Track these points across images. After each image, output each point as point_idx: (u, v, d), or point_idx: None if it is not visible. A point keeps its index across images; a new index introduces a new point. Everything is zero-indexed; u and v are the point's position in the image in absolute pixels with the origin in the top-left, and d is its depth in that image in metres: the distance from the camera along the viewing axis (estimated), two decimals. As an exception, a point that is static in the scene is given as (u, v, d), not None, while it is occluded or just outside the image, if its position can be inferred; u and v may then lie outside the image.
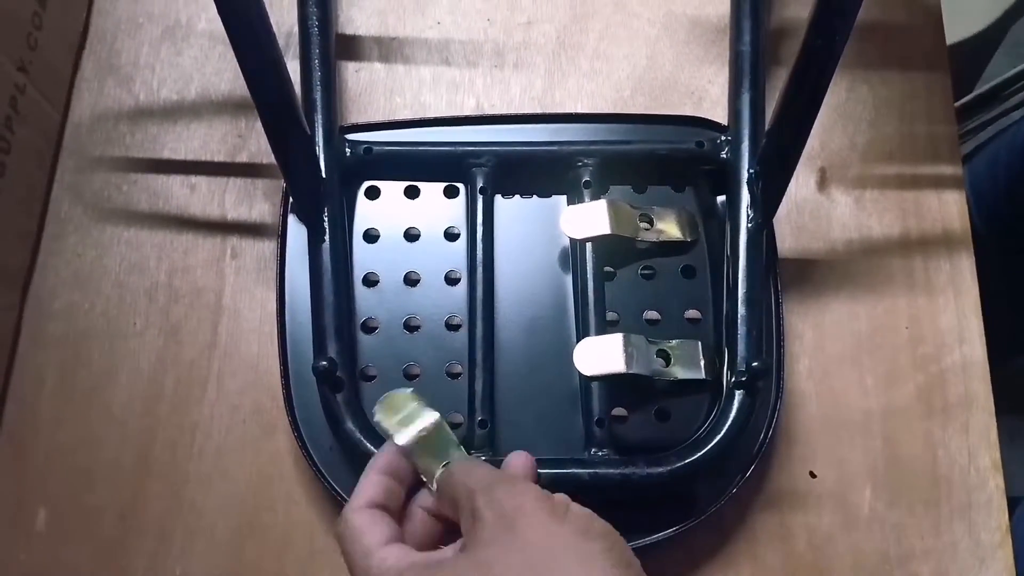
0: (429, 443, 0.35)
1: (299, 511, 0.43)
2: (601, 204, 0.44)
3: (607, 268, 0.44)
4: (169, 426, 0.44)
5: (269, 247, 0.47)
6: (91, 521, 0.43)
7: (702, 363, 0.42)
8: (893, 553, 0.43)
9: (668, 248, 0.45)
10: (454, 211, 0.46)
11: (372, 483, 0.33)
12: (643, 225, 0.45)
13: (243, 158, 0.49)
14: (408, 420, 0.35)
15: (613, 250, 0.44)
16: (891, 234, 0.48)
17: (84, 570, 0.42)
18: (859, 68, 0.51)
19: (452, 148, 0.46)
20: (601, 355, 0.41)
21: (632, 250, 0.45)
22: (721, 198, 0.46)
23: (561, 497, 0.31)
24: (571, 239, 0.44)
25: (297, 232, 0.44)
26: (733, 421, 0.40)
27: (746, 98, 0.46)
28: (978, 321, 0.47)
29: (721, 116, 0.48)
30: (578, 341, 0.42)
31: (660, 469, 0.39)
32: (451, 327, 0.44)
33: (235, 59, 0.37)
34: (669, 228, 0.45)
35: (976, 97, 0.94)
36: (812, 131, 0.40)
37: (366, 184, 0.46)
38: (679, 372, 0.42)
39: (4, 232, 0.43)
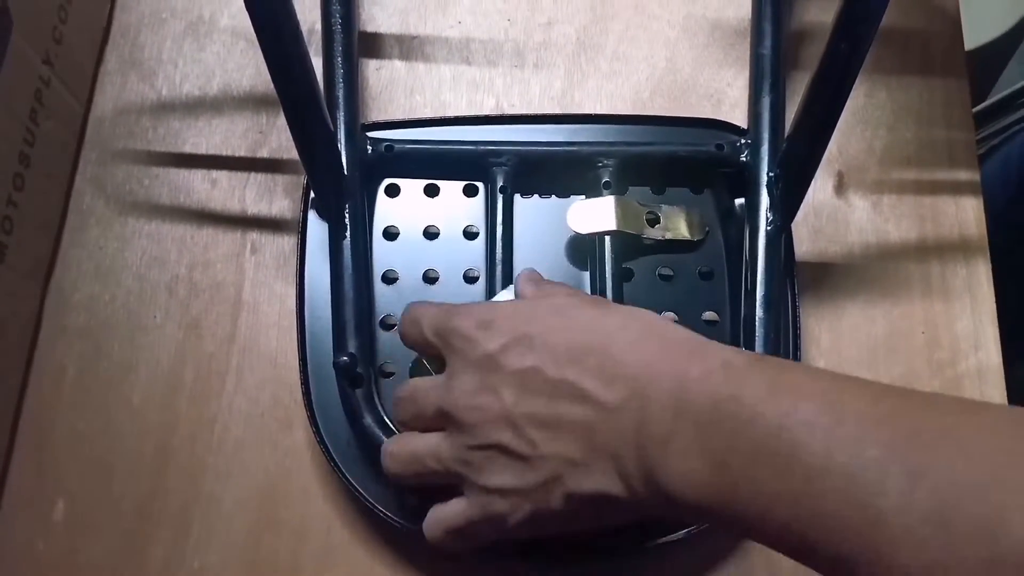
0: None
1: (316, 505, 0.43)
2: (609, 200, 0.44)
3: (625, 268, 0.44)
4: (188, 419, 0.44)
5: (289, 243, 0.47)
6: (109, 512, 0.43)
7: (719, 364, 0.43)
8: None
9: (677, 247, 0.45)
10: (473, 210, 0.46)
11: None
12: (650, 223, 0.45)
13: (264, 154, 0.49)
14: None
15: (631, 251, 0.45)
16: (908, 239, 0.48)
17: (101, 561, 0.42)
18: (878, 73, 0.51)
19: (473, 147, 0.46)
20: (619, 355, 0.41)
21: (649, 251, 0.45)
22: (740, 201, 0.46)
23: None
24: (579, 234, 0.44)
25: (317, 228, 0.45)
26: (750, 422, 0.41)
27: (766, 101, 0.46)
28: (994, 327, 0.47)
29: (740, 119, 0.48)
30: (596, 340, 0.42)
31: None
32: (470, 325, 0.44)
33: (257, 55, 0.37)
34: (677, 226, 0.45)
35: (989, 106, 0.94)
36: (830, 135, 0.40)
37: (386, 182, 0.46)
38: (696, 373, 0.42)
39: (27, 223, 0.44)
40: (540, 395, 0.32)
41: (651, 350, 0.31)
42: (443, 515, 0.35)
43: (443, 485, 0.35)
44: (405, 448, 0.36)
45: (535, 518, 0.33)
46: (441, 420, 0.34)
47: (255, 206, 0.48)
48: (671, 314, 0.44)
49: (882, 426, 0.26)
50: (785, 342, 0.43)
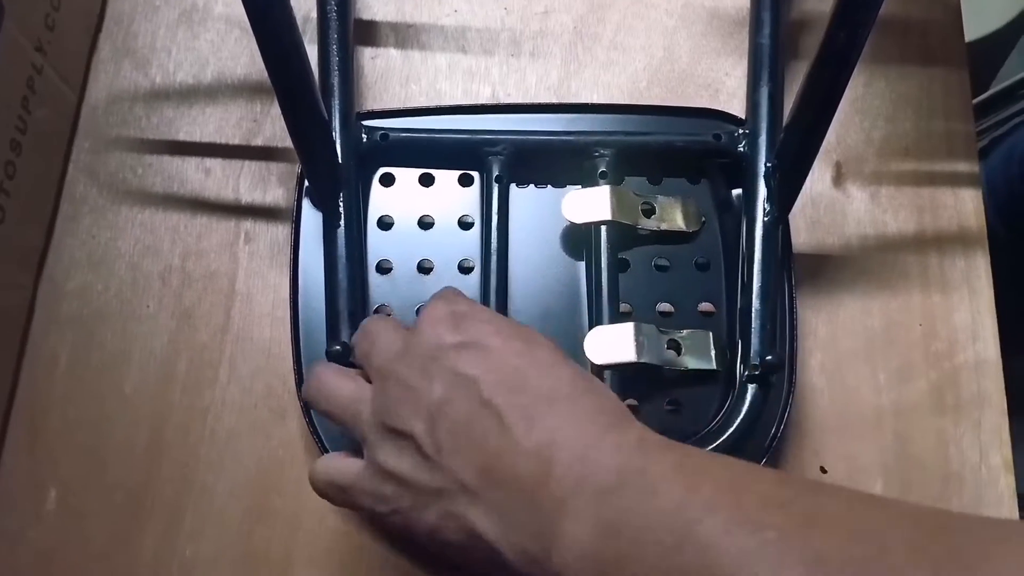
0: None
1: (309, 495, 0.42)
2: (604, 190, 0.44)
3: (621, 259, 0.44)
4: (181, 409, 0.44)
5: (283, 232, 0.47)
6: (102, 501, 0.43)
7: (713, 353, 0.42)
8: (902, 549, 0.43)
9: (672, 238, 0.45)
10: (468, 199, 0.46)
11: None
12: (645, 213, 0.45)
13: (258, 142, 0.49)
14: None
15: (626, 241, 0.44)
16: (906, 231, 0.48)
17: (93, 550, 0.42)
18: (877, 63, 0.51)
19: (468, 136, 0.46)
20: (612, 344, 0.41)
21: (645, 242, 0.45)
22: (737, 191, 0.45)
23: None
24: (574, 224, 0.44)
25: (311, 217, 0.44)
26: (745, 414, 0.40)
27: (764, 91, 0.46)
28: (992, 320, 0.47)
29: (737, 109, 0.48)
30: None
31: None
32: (464, 315, 0.44)
33: (251, 43, 0.37)
34: (673, 217, 0.45)
35: (990, 96, 0.94)
36: (828, 125, 0.40)
37: (381, 171, 0.46)
38: (690, 362, 0.42)
39: (19, 212, 0.44)
40: (466, 405, 0.32)
41: (582, 411, 0.31)
42: (333, 467, 0.36)
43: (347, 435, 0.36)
44: (333, 382, 0.36)
45: (409, 519, 0.33)
46: (378, 377, 0.34)
47: (249, 195, 0.48)
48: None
49: (781, 510, 0.26)
50: (781, 334, 0.43)
